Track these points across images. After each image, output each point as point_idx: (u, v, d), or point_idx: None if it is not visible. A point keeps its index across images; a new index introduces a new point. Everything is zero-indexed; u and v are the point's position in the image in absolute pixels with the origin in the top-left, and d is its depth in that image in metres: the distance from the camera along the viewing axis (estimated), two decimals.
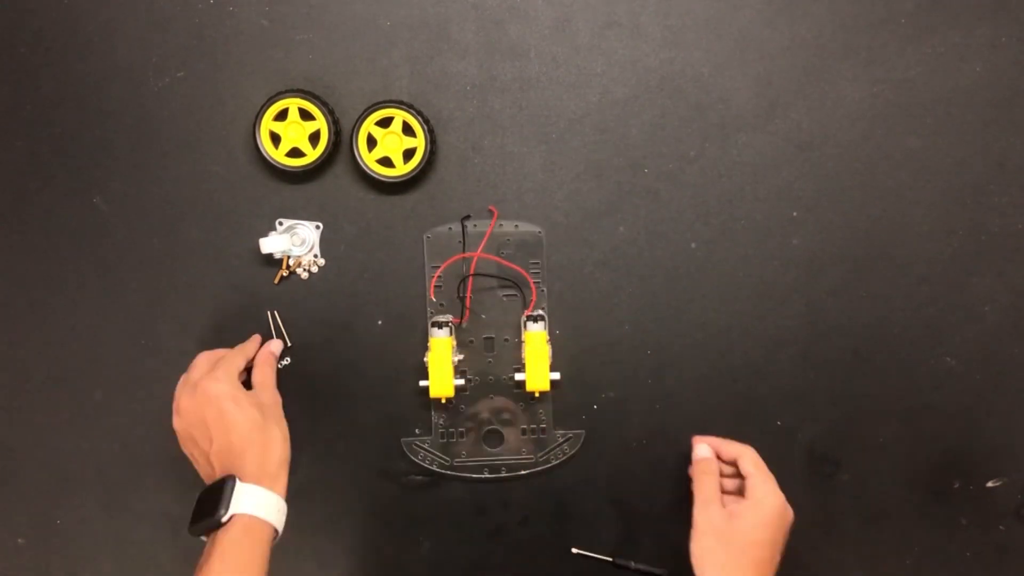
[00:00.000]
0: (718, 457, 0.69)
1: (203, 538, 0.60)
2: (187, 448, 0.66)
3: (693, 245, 0.73)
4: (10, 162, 0.72)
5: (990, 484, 0.75)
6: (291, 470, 0.72)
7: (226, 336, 0.73)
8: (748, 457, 0.68)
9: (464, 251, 0.71)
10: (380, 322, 0.73)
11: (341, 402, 0.74)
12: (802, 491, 0.75)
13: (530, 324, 0.69)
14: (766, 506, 0.65)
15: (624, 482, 0.75)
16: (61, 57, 0.71)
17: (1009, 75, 0.71)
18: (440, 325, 0.69)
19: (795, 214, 0.73)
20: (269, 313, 0.73)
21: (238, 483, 0.60)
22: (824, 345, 0.73)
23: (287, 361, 0.73)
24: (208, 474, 0.64)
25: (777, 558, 0.64)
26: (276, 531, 0.61)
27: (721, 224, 0.73)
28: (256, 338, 0.72)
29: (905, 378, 0.74)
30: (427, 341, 0.70)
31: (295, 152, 0.70)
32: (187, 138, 0.72)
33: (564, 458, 0.74)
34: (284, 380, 0.74)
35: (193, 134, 0.72)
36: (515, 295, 0.72)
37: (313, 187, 0.72)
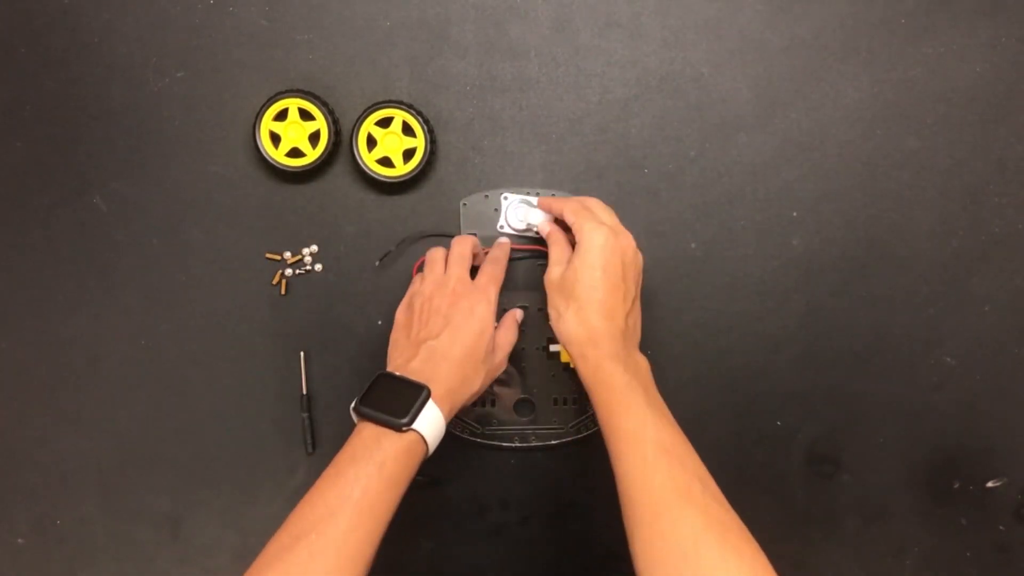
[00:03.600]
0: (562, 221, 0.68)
1: (353, 416, 0.59)
2: (396, 334, 0.65)
3: (693, 245, 0.73)
4: (10, 162, 0.72)
5: (990, 484, 0.75)
6: (291, 471, 0.72)
7: (226, 336, 0.73)
8: (568, 211, 0.65)
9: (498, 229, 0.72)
10: (380, 322, 0.73)
11: (341, 402, 0.74)
12: (802, 491, 0.75)
13: None
14: (587, 246, 0.62)
15: None
16: (61, 57, 0.71)
17: (1009, 75, 0.71)
18: None
19: (795, 214, 0.73)
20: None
21: (431, 401, 0.58)
22: (824, 345, 0.73)
23: None
24: (403, 357, 0.62)
25: (622, 291, 0.62)
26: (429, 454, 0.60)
27: (721, 224, 0.73)
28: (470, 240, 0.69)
29: (905, 378, 0.74)
30: None
31: (295, 152, 0.70)
32: (187, 138, 0.72)
33: (595, 428, 0.73)
34: (283, 378, 0.74)
35: (193, 134, 0.72)
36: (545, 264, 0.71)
37: (313, 187, 0.72)
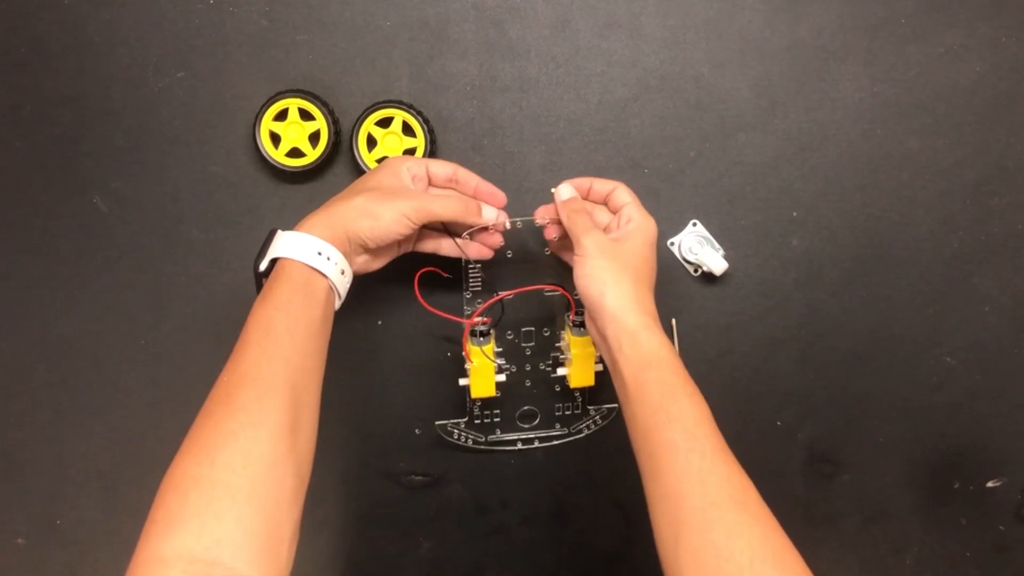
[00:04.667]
0: (588, 198, 0.66)
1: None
2: None
3: None
4: (10, 162, 0.72)
5: (990, 484, 0.75)
6: None
7: (226, 336, 0.73)
8: (621, 189, 0.64)
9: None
10: (380, 322, 0.73)
11: (340, 402, 0.74)
12: (802, 491, 0.75)
13: (577, 330, 0.68)
14: (647, 229, 0.62)
15: (624, 482, 0.75)
16: (61, 57, 0.71)
17: (1009, 75, 0.71)
18: (481, 334, 0.68)
19: (795, 214, 0.73)
20: None
21: (280, 232, 0.58)
22: (824, 345, 0.73)
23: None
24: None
25: (654, 275, 0.62)
26: (330, 282, 0.57)
27: (721, 224, 0.73)
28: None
29: (905, 378, 0.74)
30: (430, 340, 0.70)
31: (295, 152, 0.70)
32: (187, 138, 0.72)
33: (596, 429, 0.74)
34: None
35: (193, 134, 0.72)
36: (555, 292, 0.71)
37: (313, 187, 0.72)
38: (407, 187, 0.63)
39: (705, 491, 0.50)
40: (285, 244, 0.57)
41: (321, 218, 0.59)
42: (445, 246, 0.67)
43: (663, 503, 0.52)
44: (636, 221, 0.62)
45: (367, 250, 0.61)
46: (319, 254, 0.57)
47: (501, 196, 0.66)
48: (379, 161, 0.70)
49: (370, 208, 0.59)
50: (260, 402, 0.51)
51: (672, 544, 0.50)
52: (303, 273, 0.56)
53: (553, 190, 0.65)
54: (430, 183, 0.66)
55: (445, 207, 0.62)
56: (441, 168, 0.65)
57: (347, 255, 0.59)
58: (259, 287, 0.58)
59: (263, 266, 0.58)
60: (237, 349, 0.54)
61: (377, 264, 0.63)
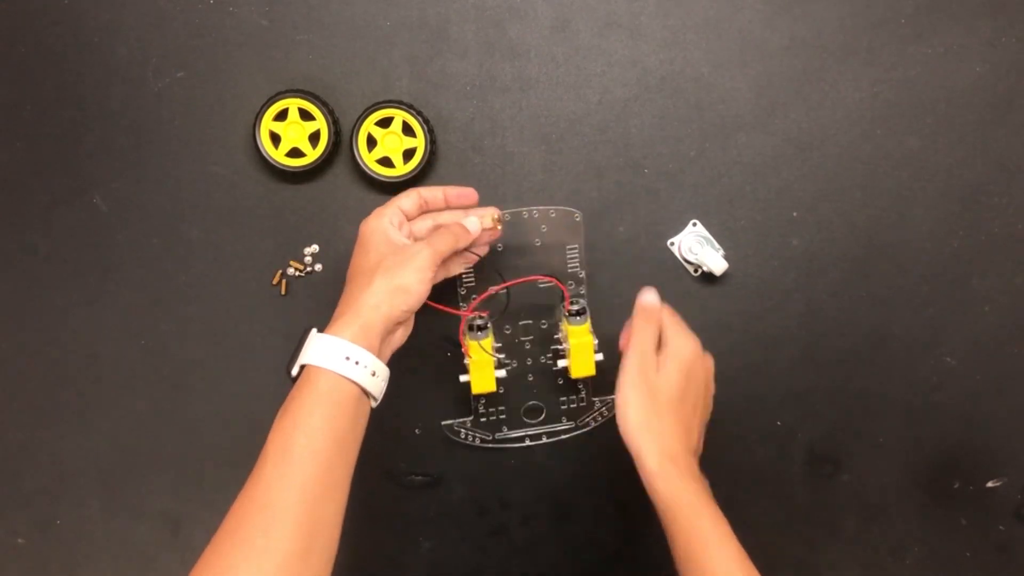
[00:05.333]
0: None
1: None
2: None
3: None
4: (10, 162, 0.72)
5: (990, 484, 0.75)
6: None
7: (226, 336, 0.73)
8: (666, 315, 0.65)
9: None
10: None
11: None
12: (802, 491, 0.75)
13: (572, 319, 0.68)
14: (682, 354, 0.62)
15: (624, 482, 0.75)
16: (61, 57, 0.71)
17: (1009, 75, 0.71)
18: (478, 328, 0.68)
19: (795, 214, 0.73)
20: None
21: (314, 332, 0.57)
22: (824, 345, 0.73)
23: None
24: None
25: (700, 405, 0.63)
26: (360, 387, 0.56)
27: (721, 224, 0.73)
28: (466, 191, 0.66)
29: (905, 378, 0.74)
30: (430, 340, 0.70)
31: (295, 152, 0.70)
32: (187, 138, 0.72)
33: (603, 421, 0.74)
34: (283, 378, 0.73)
35: (193, 134, 0.72)
36: (551, 283, 0.71)
37: (313, 187, 0.72)
38: (403, 243, 0.61)
39: None
40: (314, 351, 0.56)
41: (350, 317, 0.57)
42: (453, 268, 0.67)
43: None
44: (672, 346, 0.62)
45: (403, 322, 0.60)
46: (347, 359, 0.55)
47: (471, 193, 0.65)
48: (380, 161, 0.70)
49: (394, 285, 0.58)
50: (267, 534, 0.51)
51: None
52: (330, 381, 0.55)
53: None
54: (408, 219, 0.64)
55: (443, 243, 0.61)
56: (408, 201, 0.63)
57: (385, 343, 0.58)
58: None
59: (294, 371, 0.57)
60: (255, 469, 0.54)
61: (411, 326, 0.62)
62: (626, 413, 0.60)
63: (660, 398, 0.60)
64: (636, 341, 0.62)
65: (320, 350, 0.56)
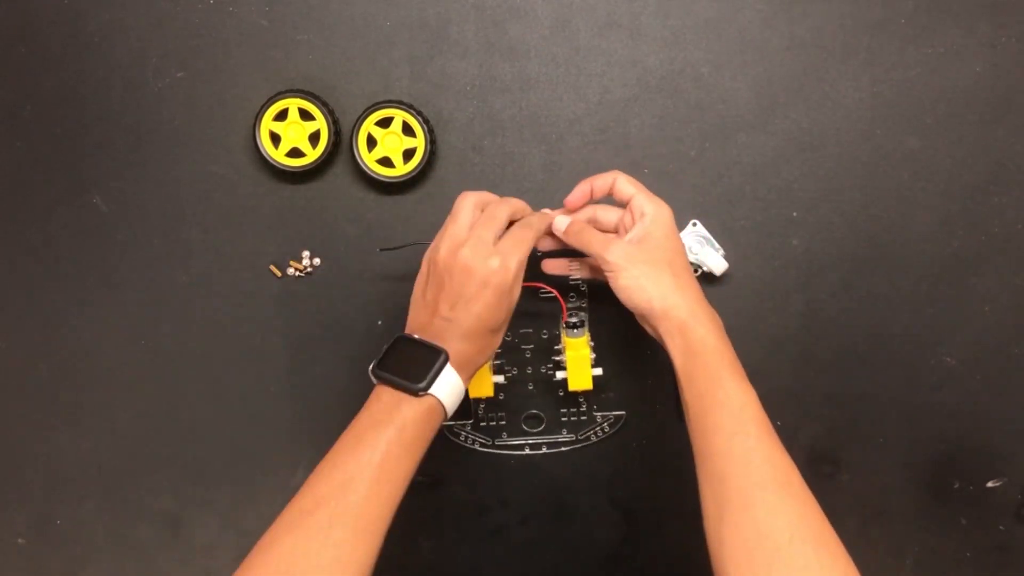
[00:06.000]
0: (594, 198, 0.65)
1: (373, 379, 0.57)
2: (416, 292, 0.61)
3: None
4: (10, 162, 0.72)
5: (990, 484, 0.75)
6: (291, 471, 0.72)
7: (226, 336, 0.73)
8: (622, 179, 0.62)
9: None
10: (380, 322, 0.73)
11: (341, 403, 0.74)
12: None
13: (570, 331, 0.68)
14: (663, 217, 0.61)
15: (624, 482, 0.75)
16: (61, 57, 0.71)
17: (1009, 75, 0.71)
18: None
19: (795, 214, 0.73)
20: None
21: (448, 365, 0.55)
22: (824, 345, 0.73)
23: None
24: (420, 319, 0.59)
25: (685, 255, 0.62)
26: (445, 412, 0.57)
27: (721, 224, 0.73)
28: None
29: (905, 378, 0.74)
30: None
31: (295, 152, 0.70)
32: (187, 138, 0.72)
33: (604, 436, 0.74)
34: (284, 378, 0.74)
35: (193, 134, 0.72)
36: (550, 294, 0.71)
37: (313, 187, 0.72)
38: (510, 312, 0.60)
39: (748, 472, 0.52)
40: (444, 385, 0.55)
41: (471, 369, 0.58)
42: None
43: (709, 483, 0.53)
44: (650, 213, 0.61)
45: None
46: (458, 397, 0.58)
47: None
48: (380, 161, 0.70)
49: (496, 345, 0.60)
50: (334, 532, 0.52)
51: (716, 522, 0.51)
52: (442, 417, 0.57)
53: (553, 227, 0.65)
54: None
55: (527, 236, 0.60)
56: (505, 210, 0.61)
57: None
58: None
59: (421, 390, 0.55)
60: (357, 475, 0.53)
61: None
62: (645, 296, 0.59)
63: (663, 263, 0.59)
64: (595, 243, 0.61)
65: (450, 388, 0.56)
